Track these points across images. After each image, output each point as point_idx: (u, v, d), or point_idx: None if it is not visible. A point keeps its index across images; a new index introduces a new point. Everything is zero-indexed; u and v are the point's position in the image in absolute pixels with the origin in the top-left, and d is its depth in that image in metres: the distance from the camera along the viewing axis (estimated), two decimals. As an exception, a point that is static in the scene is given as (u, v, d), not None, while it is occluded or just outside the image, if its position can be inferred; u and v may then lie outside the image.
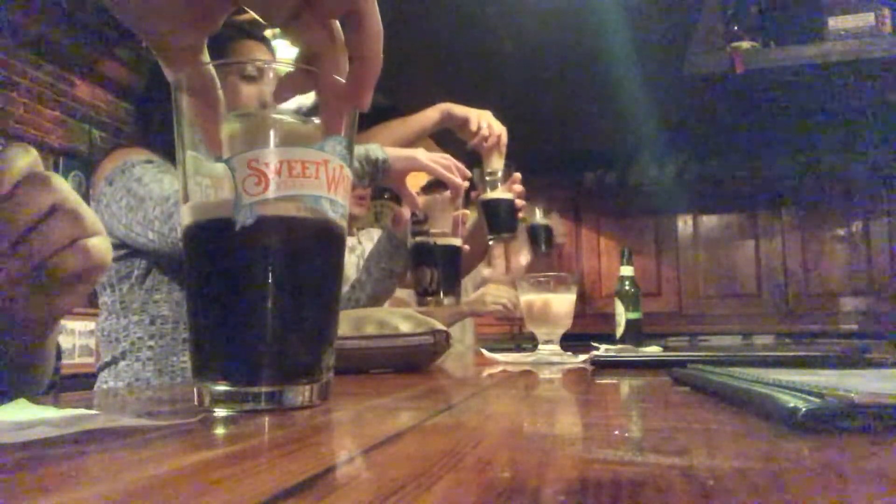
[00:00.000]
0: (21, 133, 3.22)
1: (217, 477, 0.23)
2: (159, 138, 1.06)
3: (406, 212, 1.11)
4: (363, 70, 0.41)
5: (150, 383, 1.01)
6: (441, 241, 1.09)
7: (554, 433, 0.37)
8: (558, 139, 2.99)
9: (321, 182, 0.40)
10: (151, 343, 1.03)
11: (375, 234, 1.70)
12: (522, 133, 2.89)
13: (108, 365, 1.05)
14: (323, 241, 0.42)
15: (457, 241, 1.11)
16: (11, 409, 0.35)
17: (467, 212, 1.20)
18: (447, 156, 1.13)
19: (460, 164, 1.14)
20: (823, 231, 2.98)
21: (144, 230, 0.95)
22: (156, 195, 0.94)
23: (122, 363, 1.03)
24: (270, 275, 0.39)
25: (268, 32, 1.87)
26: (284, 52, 1.81)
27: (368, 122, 1.62)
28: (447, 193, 1.10)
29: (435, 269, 1.09)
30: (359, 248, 1.65)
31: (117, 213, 0.98)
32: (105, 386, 1.05)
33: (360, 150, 1.04)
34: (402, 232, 1.12)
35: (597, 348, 1.17)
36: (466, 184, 1.13)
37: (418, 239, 1.10)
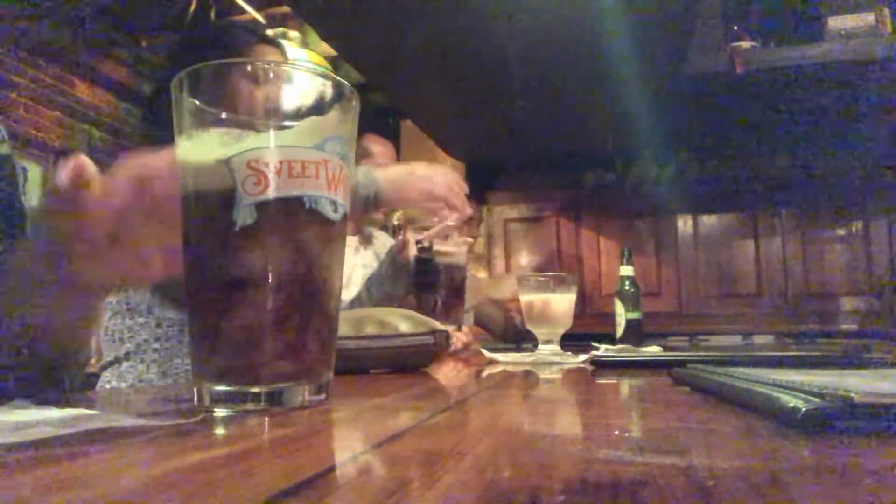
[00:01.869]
0: (21, 133, 3.22)
1: (217, 477, 0.23)
2: (169, 141, 1.05)
3: (410, 238, 1.11)
4: None
5: (153, 384, 1.01)
6: (446, 261, 1.10)
7: (554, 433, 0.37)
8: (558, 139, 2.99)
9: (321, 182, 0.40)
10: (157, 346, 1.02)
11: (383, 236, 1.69)
12: (523, 133, 2.90)
13: (111, 364, 1.05)
14: (323, 240, 0.42)
15: (461, 261, 1.11)
16: (11, 409, 0.35)
17: (470, 240, 1.19)
18: (447, 187, 1.08)
19: (461, 195, 1.10)
20: (823, 231, 2.97)
21: None
22: None
23: (125, 364, 1.03)
24: (270, 274, 0.39)
25: (270, 32, 1.87)
26: (292, 54, 1.81)
27: (369, 122, 1.62)
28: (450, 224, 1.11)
29: (438, 297, 1.11)
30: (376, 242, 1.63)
31: None
32: (108, 386, 1.04)
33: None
34: (405, 258, 1.11)
35: (597, 348, 1.17)
36: (455, 218, 1.10)
37: (424, 260, 1.11)
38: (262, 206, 0.38)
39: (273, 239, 0.40)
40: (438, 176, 1.07)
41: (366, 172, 1.03)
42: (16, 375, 0.57)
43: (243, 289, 0.39)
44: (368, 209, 1.02)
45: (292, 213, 0.40)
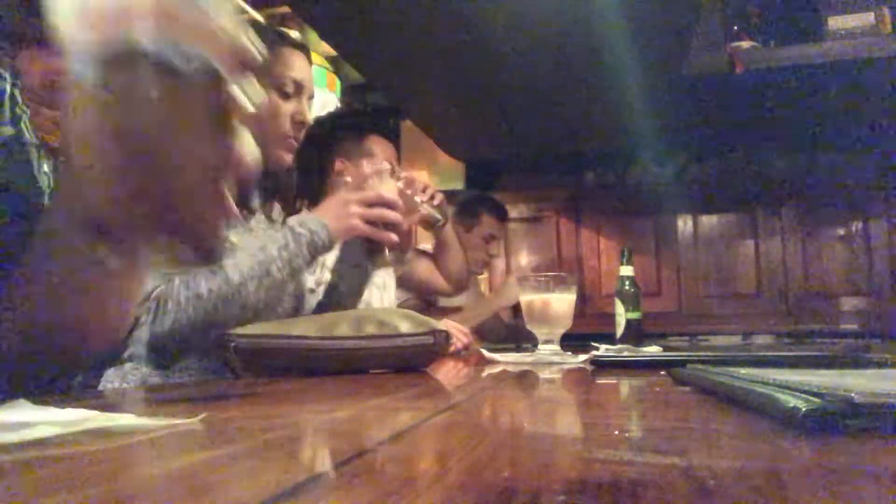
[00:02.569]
0: (21, 133, 3.22)
1: (217, 477, 0.23)
2: None
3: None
4: None
5: (156, 385, 1.00)
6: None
7: (554, 433, 0.37)
8: (558, 139, 2.99)
9: (169, 28, 0.35)
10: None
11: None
12: (523, 133, 2.90)
13: (113, 364, 1.04)
14: (173, 95, 0.36)
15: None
16: (11, 409, 0.35)
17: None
18: (386, 194, 1.05)
19: (397, 202, 1.06)
20: (823, 231, 2.97)
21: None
22: None
23: (128, 364, 1.02)
24: (114, 135, 0.35)
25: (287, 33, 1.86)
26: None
27: (368, 121, 1.61)
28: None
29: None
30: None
31: None
32: (110, 385, 1.04)
33: (302, 232, 0.97)
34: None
35: (597, 348, 1.17)
36: (394, 238, 1.05)
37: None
38: (100, 60, 0.34)
39: (115, 94, 0.35)
40: (355, 202, 1.03)
41: (312, 219, 0.99)
42: (26, 365, 0.55)
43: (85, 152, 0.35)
44: (326, 249, 1.00)
45: (135, 64, 0.34)
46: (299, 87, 1.06)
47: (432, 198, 1.61)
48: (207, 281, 0.90)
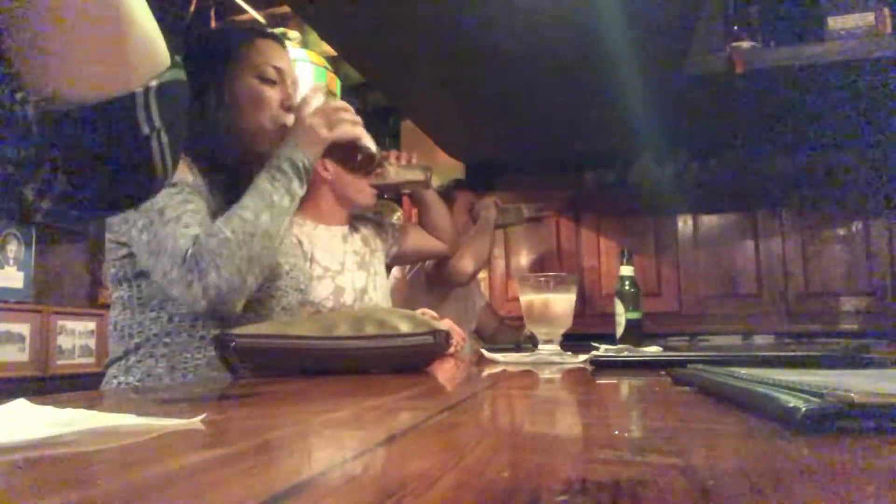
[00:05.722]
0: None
1: (217, 477, 0.23)
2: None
3: None
4: None
5: (161, 379, 1.00)
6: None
7: (554, 433, 0.37)
8: (558, 139, 2.99)
9: None
10: (167, 340, 1.01)
11: (321, 231, 1.56)
12: (523, 133, 2.90)
13: (118, 360, 1.04)
14: None
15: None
16: (11, 409, 0.35)
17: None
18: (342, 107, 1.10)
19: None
20: (823, 231, 2.97)
21: (168, 286, 0.94)
22: (170, 249, 0.92)
23: (133, 358, 1.02)
24: None
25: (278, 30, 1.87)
26: (292, 54, 1.80)
27: (369, 122, 1.61)
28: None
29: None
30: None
31: (138, 242, 0.96)
32: (115, 381, 1.03)
33: (280, 159, 1.02)
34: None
35: (597, 348, 1.17)
36: (359, 131, 1.10)
37: None
38: None
39: None
40: (306, 105, 1.07)
41: (282, 148, 1.04)
42: None
43: None
44: (309, 173, 1.05)
45: None
46: (281, 74, 1.10)
47: (409, 162, 1.64)
48: (225, 226, 0.94)
